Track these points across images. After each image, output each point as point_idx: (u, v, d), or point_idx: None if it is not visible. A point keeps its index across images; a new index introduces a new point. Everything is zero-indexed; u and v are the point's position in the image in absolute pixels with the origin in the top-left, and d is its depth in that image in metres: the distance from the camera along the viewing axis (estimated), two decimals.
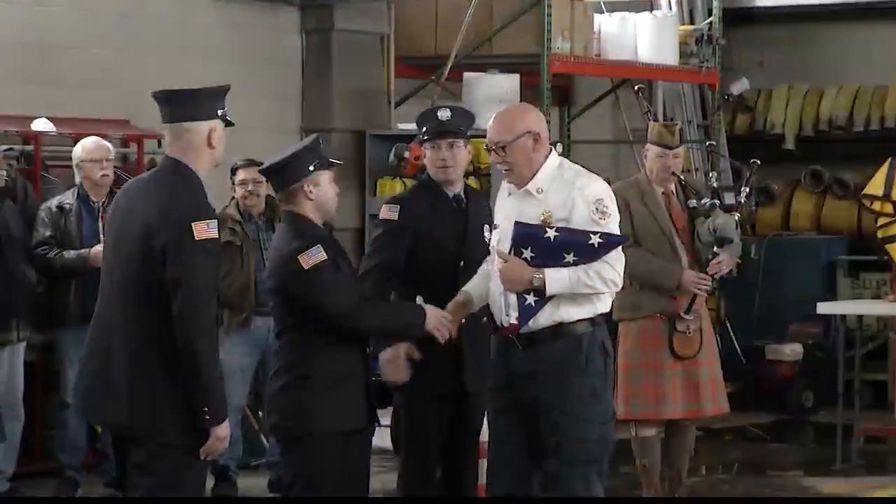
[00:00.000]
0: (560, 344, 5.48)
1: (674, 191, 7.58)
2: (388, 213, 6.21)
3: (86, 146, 8.21)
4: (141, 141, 9.25)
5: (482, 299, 5.70)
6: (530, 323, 5.47)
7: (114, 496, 8.22)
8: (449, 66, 10.67)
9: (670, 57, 11.74)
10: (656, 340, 7.45)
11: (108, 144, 8.30)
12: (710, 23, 12.43)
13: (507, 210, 5.60)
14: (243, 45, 10.45)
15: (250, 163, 8.47)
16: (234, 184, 8.46)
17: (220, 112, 5.09)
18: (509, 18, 10.92)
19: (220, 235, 5.05)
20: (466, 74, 10.75)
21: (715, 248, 7.42)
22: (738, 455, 10.24)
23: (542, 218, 5.45)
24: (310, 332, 5.42)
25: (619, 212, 7.36)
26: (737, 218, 7.51)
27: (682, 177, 7.65)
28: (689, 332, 7.44)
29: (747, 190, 7.81)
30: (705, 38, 12.22)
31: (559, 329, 5.48)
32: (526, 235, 5.45)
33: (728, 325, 11.86)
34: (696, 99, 12.93)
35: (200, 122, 5.04)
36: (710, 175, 8.02)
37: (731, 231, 7.45)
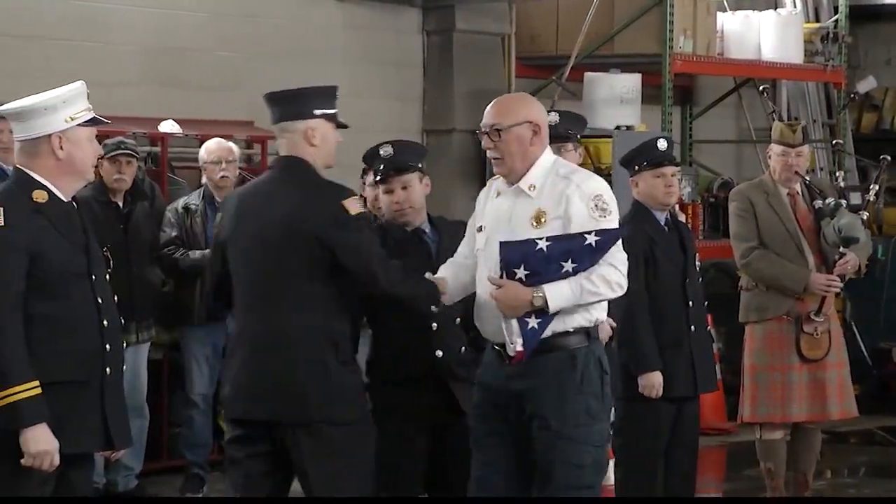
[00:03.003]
0: (553, 358, 5.06)
1: (799, 191, 7.50)
2: None
3: (208, 148, 8.31)
4: (264, 142, 9.34)
5: (457, 293, 5.30)
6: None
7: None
8: (570, 66, 10.64)
9: (795, 55, 11.60)
10: (783, 342, 7.37)
11: (231, 145, 8.39)
12: (836, 20, 12.25)
13: (496, 211, 5.18)
14: (365, 46, 10.51)
15: None
16: (363, 185, 8.51)
17: (317, 112, 5.17)
18: (631, 18, 10.87)
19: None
20: (587, 74, 10.71)
21: (841, 249, 7.32)
22: (864, 459, 10.09)
23: (534, 217, 5.07)
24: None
25: (745, 213, 7.45)
26: (864, 217, 7.40)
27: (806, 177, 7.57)
28: (817, 334, 7.35)
29: (876, 188, 7.69)
30: (831, 35, 12.05)
31: (552, 341, 5.05)
32: (516, 253, 4.99)
33: (854, 326, 11.69)
34: (822, 98, 12.76)
35: (297, 121, 5.15)
36: (837, 175, 7.92)
37: (858, 231, 7.34)
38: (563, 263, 4.96)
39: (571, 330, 5.07)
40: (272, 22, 10.04)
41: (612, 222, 5.06)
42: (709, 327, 6.90)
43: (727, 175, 11.65)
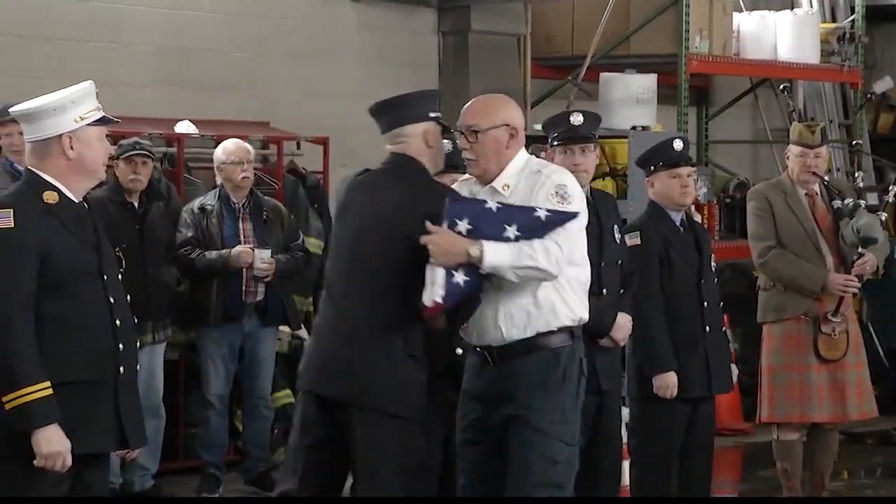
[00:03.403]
0: (535, 357, 5.03)
1: (818, 192, 7.48)
2: None
3: (226, 148, 8.31)
4: (280, 142, 9.34)
5: None
6: (504, 334, 5.02)
7: (254, 495, 8.32)
8: (585, 67, 10.63)
9: (811, 55, 11.56)
10: (801, 342, 7.36)
11: (248, 146, 8.38)
12: (853, 20, 12.22)
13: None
14: (381, 47, 10.51)
15: None
16: None
17: (432, 115, 5.27)
18: (647, 18, 10.85)
19: None
20: (603, 75, 10.70)
21: (859, 249, 7.30)
22: (880, 460, 10.06)
23: None
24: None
25: (763, 213, 7.43)
26: (882, 218, 7.39)
27: (825, 177, 7.55)
28: (835, 335, 7.34)
29: (895, 189, 7.67)
30: (847, 35, 12.01)
31: (535, 341, 5.02)
32: (461, 208, 4.95)
33: (871, 327, 11.65)
34: (838, 98, 12.73)
35: (410, 125, 5.24)
36: (855, 175, 7.90)
37: (876, 231, 7.34)
38: (508, 227, 4.90)
39: (556, 329, 5.04)
40: (288, 22, 10.04)
41: (569, 209, 5.01)
42: (724, 328, 6.89)
43: (743, 175, 11.62)
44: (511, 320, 5.05)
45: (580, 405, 5.15)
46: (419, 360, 5.18)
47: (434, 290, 4.88)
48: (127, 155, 7.86)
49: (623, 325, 6.29)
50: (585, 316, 5.14)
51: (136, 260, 7.77)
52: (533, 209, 4.96)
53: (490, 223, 4.91)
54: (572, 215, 5.00)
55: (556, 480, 5.03)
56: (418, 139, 5.26)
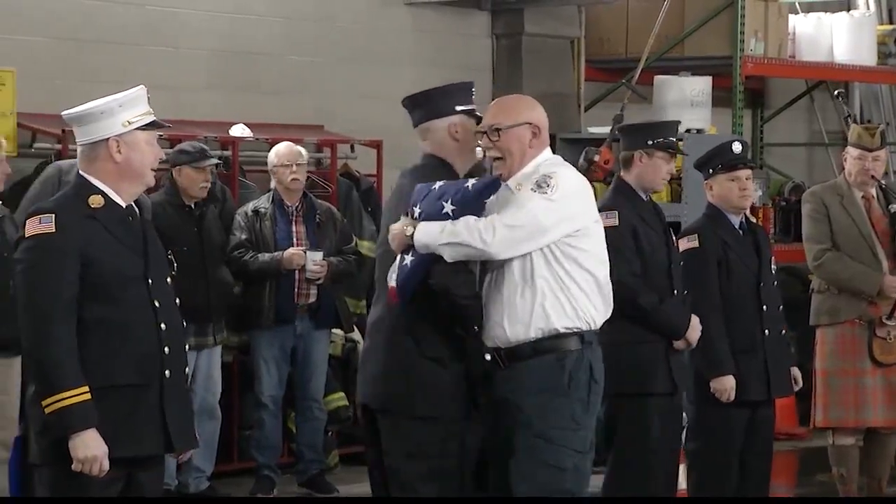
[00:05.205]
0: (538, 361, 4.93)
1: (874, 195, 7.43)
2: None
3: (278, 151, 8.34)
4: (334, 146, 9.37)
5: None
6: (508, 334, 4.95)
7: (308, 496, 8.35)
8: (640, 69, 10.59)
9: (868, 58, 11.48)
10: (855, 346, 7.31)
11: (300, 149, 8.41)
12: None
13: (488, 211, 5.02)
14: (434, 50, 10.52)
15: None
16: None
17: (458, 108, 5.22)
18: (701, 20, 10.81)
19: None
20: (657, 77, 10.65)
21: None
22: None
23: None
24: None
25: (818, 215, 7.39)
26: None
27: (882, 181, 7.49)
28: (890, 338, 7.29)
29: None
30: None
31: (542, 343, 4.94)
32: (418, 193, 4.98)
33: None
34: (895, 101, 12.62)
35: (435, 120, 5.22)
36: None
37: None
38: (444, 204, 4.91)
39: (562, 331, 4.95)
40: (342, 26, 10.07)
41: (537, 195, 4.89)
42: (785, 332, 6.84)
43: (798, 178, 11.55)
44: (513, 320, 4.98)
45: (594, 411, 5.03)
46: (439, 361, 5.09)
47: (391, 277, 4.98)
48: (200, 165, 7.90)
49: (697, 325, 6.28)
50: (599, 319, 5.02)
51: (196, 263, 7.83)
52: (464, 181, 4.97)
53: (430, 203, 4.94)
54: (496, 181, 4.96)
55: (562, 487, 4.93)
56: (442, 133, 5.22)
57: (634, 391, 6.14)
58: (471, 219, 4.89)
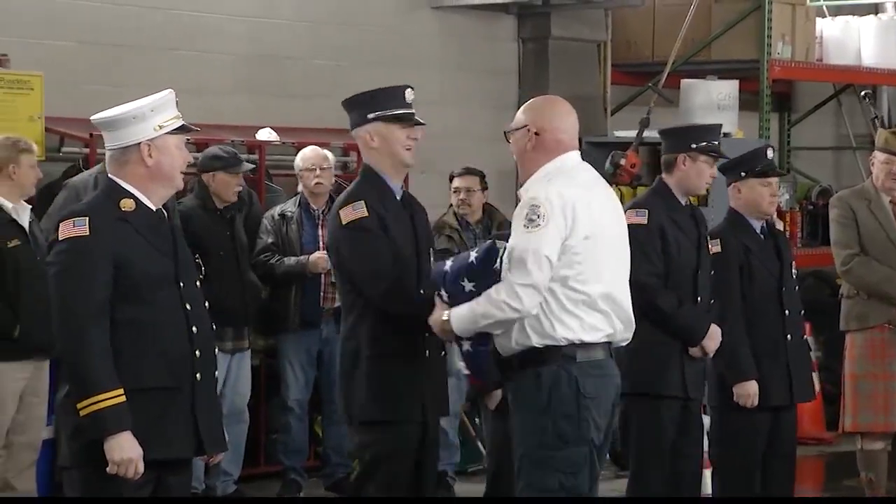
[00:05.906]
0: (523, 374, 4.87)
1: None
2: None
3: (304, 155, 8.36)
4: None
5: None
6: (502, 343, 4.90)
7: (335, 497, 8.36)
8: (666, 73, 10.58)
9: None
10: (885, 351, 7.29)
11: (326, 153, 8.42)
12: None
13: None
14: (461, 54, 10.52)
15: (467, 171, 8.59)
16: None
17: (371, 116, 5.27)
18: (728, 24, 10.78)
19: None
20: (684, 81, 10.64)
21: None
22: None
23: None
24: None
25: (846, 220, 7.37)
26: None
27: None
28: None
29: None
30: None
31: (526, 358, 4.85)
32: (436, 276, 5.01)
33: None
34: None
35: (357, 129, 5.35)
36: None
37: None
38: (463, 284, 4.93)
39: (541, 347, 4.84)
40: (368, 30, 10.08)
41: (540, 233, 4.78)
42: (806, 336, 6.83)
43: (826, 182, 11.51)
44: (503, 331, 4.94)
45: (590, 426, 4.88)
46: (386, 360, 5.13)
47: (459, 365, 5.12)
48: (235, 170, 7.92)
49: (716, 335, 6.25)
50: (587, 338, 4.87)
51: (231, 267, 7.87)
52: (467, 255, 5.04)
53: (452, 285, 4.97)
54: (493, 249, 4.91)
55: None
56: (362, 143, 5.32)
57: (646, 391, 6.13)
58: (491, 293, 4.81)
